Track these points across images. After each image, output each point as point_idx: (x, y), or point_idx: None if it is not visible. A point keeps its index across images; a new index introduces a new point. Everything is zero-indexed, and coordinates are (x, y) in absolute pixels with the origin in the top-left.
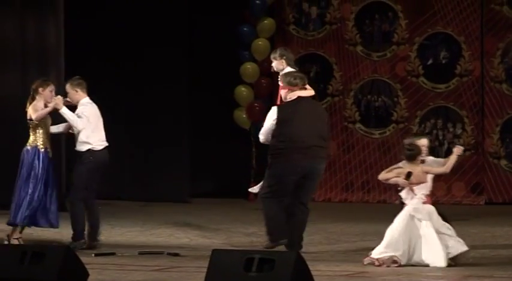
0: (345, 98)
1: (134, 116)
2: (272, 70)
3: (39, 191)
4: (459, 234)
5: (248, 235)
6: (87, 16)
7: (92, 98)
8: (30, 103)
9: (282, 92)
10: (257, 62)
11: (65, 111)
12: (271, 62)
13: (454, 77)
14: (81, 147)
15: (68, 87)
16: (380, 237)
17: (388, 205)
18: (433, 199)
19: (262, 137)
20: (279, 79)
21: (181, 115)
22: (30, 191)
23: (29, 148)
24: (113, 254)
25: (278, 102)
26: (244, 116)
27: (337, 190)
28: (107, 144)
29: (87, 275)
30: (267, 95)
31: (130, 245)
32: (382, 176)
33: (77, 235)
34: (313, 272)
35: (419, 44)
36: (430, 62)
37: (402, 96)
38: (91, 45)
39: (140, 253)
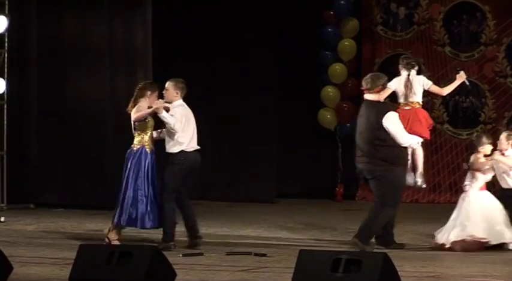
0: (433, 98)
1: (223, 118)
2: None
3: (146, 192)
4: None
5: (335, 235)
6: (174, 17)
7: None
8: (134, 105)
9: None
10: (343, 63)
11: (164, 114)
12: (356, 62)
13: None
14: (173, 148)
15: (170, 86)
16: None
17: None
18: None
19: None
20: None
21: (270, 117)
22: (139, 192)
23: (135, 148)
24: (200, 254)
25: None
26: (329, 116)
27: (425, 191)
28: (198, 148)
29: (175, 275)
30: (354, 96)
31: (217, 245)
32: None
33: (167, 237)
34: (400, 273)
35: (507, 45)
36: None
37: (490, 97)
38: (178, 47)
39: (227, 254)
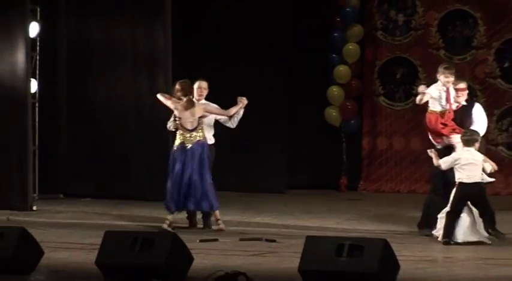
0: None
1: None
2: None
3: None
4: None
5: (339, 222)
6: (194, 23)
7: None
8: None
9: (466, 93)
10: (348, 64)
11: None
12: (360, 64)
13: None
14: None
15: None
16: None
17: None
18: (510, 189)
19: (485, 131)
20: (460, 82)
21: (281, 114)
22: (206, 180)
23: (201, 141)
24: (215, 240)
25: (450, 108)
26: (334, 114)
27: (421, 182)
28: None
29: (192, 259)
30: (357, 95)
31: (231, 232)
32: None
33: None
34: (398, 257)
35: (496, 49)
36: (506, 64)
37: (481, 96)
38: (195, 49)
39: (241, 240)
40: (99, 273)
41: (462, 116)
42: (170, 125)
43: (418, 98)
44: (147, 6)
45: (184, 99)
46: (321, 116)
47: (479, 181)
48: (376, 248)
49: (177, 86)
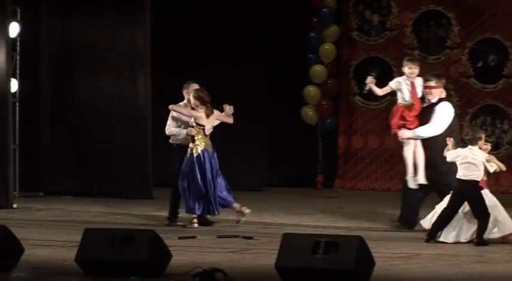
0: None
1: None
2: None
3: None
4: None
5: (316, 220)
6: (173, 24)
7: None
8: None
9: (436, 91)
10: (324, 64)
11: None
12: (336, 64)
13: (502, 78)
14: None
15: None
16: None
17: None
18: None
19: (440, 131)
20: (429, 80)
21: (259, 113)
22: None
23: (208, 150)
24: (194, 237)
25: (418, 100)
26: (311, 113)
27: (396, 180)
28: None
29: (171, 256)
30: (333, 95)
31: (209, 230)
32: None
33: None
34: (374, 254)
35: (470, 49)
36: (480, 64)
37: (455, 95)
38: (176, 52)
39: (218, 237)
40: (79, 270)
41: (426, 114)
42: (187, 131)
43: (366, 88)
44: (127, 6)
45: (204, 106)
46: (298, 115)
47: (476, 179)
48: (352, 245)
49: (197, 94)
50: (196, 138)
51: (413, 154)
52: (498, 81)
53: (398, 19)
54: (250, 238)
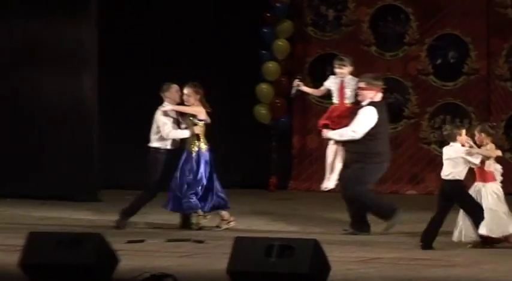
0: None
1: None
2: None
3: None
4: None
5: (269, 223)
6: (120, 23)
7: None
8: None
9: (367, 93)
10: (278, 61)
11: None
12: (290, 61)
13: (462, 76)
14: None
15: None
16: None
17: (400, 195)
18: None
19: (359, 135)
20: (361, 81)
21: (211, 112)
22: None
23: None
24: (142, 241)
25: (343, 101)
26: (263, 111)
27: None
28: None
29: (118, 261)
30: (287, 93)
31: (158, 233)
32: (492, 154)
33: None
34: (329, 258)
35: (429, 45)
36: (439, 61)
37: (413, 93)
38: (125, 50)
39: (168, 240)
40: (22, 275)
41: (352, 116)
42: (193, 130)
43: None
44: (73, 5)
45: (200, 103)
46: (250, 114)
47: (458, 178)
48: (307, 248)
49: (197, 88)
50: (201, 135)
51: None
52: (458, 78)
53: (355, 14)
54: (201, 241)
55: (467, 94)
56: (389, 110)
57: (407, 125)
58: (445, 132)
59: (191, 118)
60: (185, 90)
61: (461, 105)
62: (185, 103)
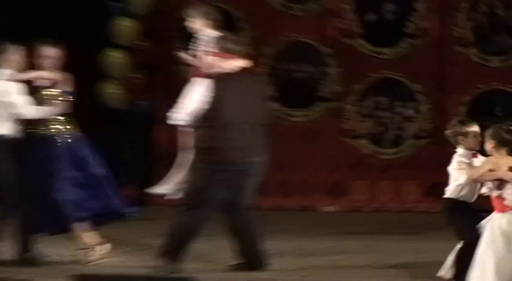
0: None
1: None
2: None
3: None
4: (411, 250)
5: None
6: None
7: None
8: None
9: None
10: (137, 18)
11: None
12: (155, 18)
13: (404, 39)
14: None
15: None
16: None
17: (313, 213)
18: (378, 204)
19: (187, 118)
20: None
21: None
22: None
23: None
24: None
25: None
26: (114, 90)
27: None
28: None
29: None
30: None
31: None
32: (474, 173)
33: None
34: None
35: None
36: (371, 18)
37: (333, 64)
38: None
39: None
40: None
41: None
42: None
43: None
44: None
45: None
46: (94, 93)
47: (446, 197)
48: None
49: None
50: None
51: None
52: (398, 43)
53: None
54: None
55: (411, 66)
56: (298, 88)
57: (325, 110)
58: (446, 132)
59: None
60: None
61: (403, 82)
62: None
